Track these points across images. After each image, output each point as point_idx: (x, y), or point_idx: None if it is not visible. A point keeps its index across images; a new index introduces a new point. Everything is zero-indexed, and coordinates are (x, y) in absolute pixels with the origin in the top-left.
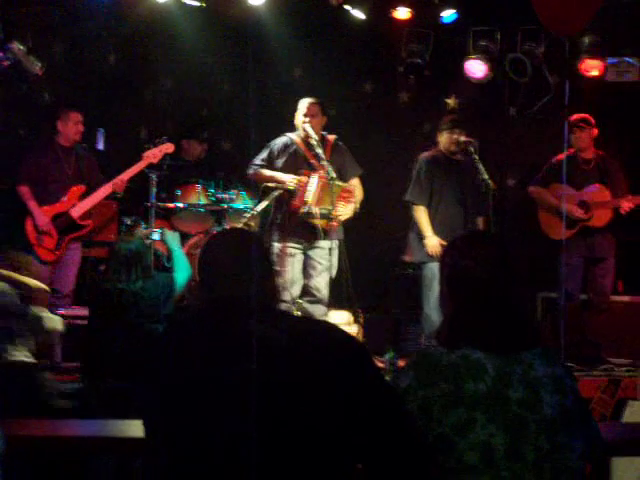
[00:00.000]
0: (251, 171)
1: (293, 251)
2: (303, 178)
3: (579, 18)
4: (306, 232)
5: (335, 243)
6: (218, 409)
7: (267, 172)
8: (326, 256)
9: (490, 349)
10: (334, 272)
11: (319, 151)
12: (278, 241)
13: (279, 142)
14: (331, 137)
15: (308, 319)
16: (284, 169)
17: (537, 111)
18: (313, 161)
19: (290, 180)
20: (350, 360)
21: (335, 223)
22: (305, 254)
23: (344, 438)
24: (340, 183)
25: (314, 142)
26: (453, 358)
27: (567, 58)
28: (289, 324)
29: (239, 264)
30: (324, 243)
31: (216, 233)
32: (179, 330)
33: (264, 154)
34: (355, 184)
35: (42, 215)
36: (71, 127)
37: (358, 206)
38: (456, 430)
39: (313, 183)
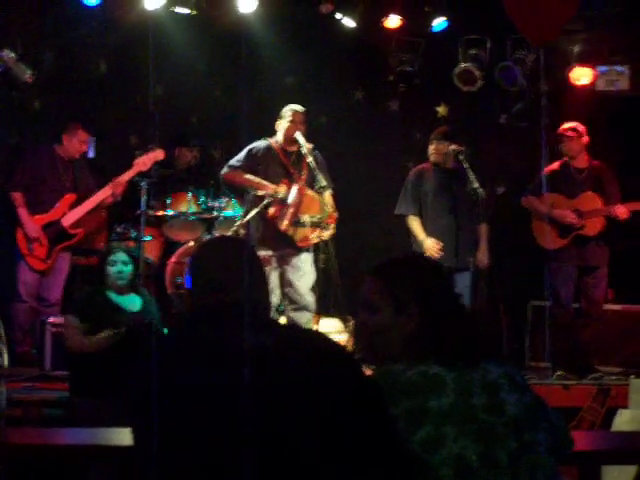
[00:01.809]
0: (225, 170)
1: (271, 259)
2: (282, 188)
3: (552, 26)
4: (284, 239)
5: (311, 249)
6: (208, 417)
7: (244, 175)
8: (306, 262)
9: (452, 363)
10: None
11: (310, 159)
12: (256, 250)
13: (259, 146)
14: (308, 146)
15: (297, 327)
16: (263, 174)
17: (514, 117)
18: (292, 170)
19: (269, 186)
20: (338, 369)
21: (310, 242)
22: (284, 261)
23: (333, 445)
24: (329, 208)
25: (304, 150)
26: (411, 375)
27: (546, 66)
28: (278, 332)
29: (229, 271)
30: (303, 250)
31: (206, 240)
32: (169, 339)
33: (242, 155)
34: (326, 199)
35: (32, 223)
36: (75, 144)
37: (334, 231)
38: (426, 447)
39: (292, 195)
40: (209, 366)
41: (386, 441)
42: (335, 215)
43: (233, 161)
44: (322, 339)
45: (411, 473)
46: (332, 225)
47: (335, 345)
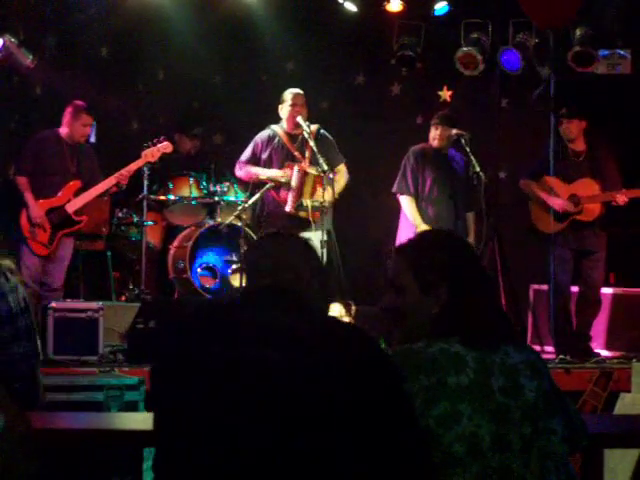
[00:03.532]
0: (237, 168)
1: None
2: (287, 171)
3: (565, 10)
4: (293, 224)
5: (324, 234)
6: (231, 395)
7: (253, 169)
8: (316, 247)
9: (473, 343)
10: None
11: (312, 143)
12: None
13: (263, 135)
14: (313, 127)
15: (341, 321)
16: (268, 162)
17: (536, 101)
18: (296, 153)
19: (276, 174)
20: (365, 350)
21: (319, 212)
22: None
23: (356, 423)
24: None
25: (306, 134)
26: (432, 352)
27: (553, 50)
28: (317, 320)
29: (280, 259)
30: (313, 234)
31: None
32: (204, 317)
33: (248, 150)
34: (340, 170)
35: (36, 208)
36: (79, 128)
37: (339, 189)
38: (441, 423)
39: (294, 177)
40: (237, 345)
41: (405, 418)
42: (322, 181)
43: (242, 157)
44: (361, 334)
45: (426, 450)
46: (322, 185)
47: (372, 341)
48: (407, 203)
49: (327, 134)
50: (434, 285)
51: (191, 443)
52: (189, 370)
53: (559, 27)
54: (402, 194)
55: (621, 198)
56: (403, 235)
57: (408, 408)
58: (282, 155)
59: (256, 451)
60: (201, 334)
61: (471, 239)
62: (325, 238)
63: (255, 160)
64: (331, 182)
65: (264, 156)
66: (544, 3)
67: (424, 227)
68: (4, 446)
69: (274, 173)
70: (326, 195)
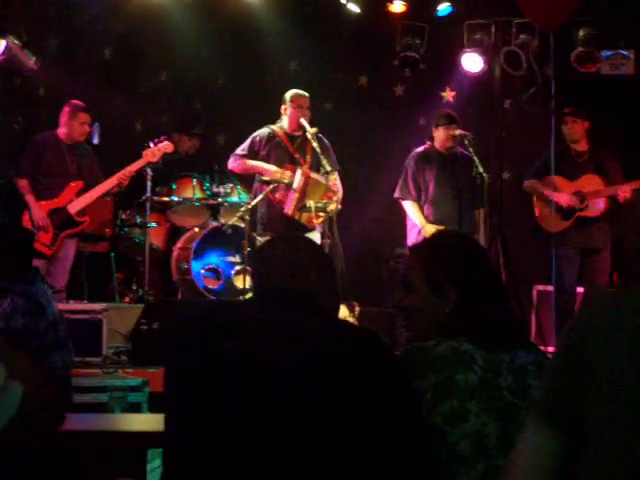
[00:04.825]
0: (231, 160)
1: None
2: (287, 173)
3: (562, 11)
4: (291, 224)
5: (318, 235)
6: (241, 392)
7: (249, 162)
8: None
9: (483, 343)
10: None
11: (314, 144)
12: (261, 235)
13: (261, 133)
14: (313, 130)
15: (349, 322)
16: (266, 160)
17: (527, 102)
18: (297, 155)
19: (275, 171)
20: (380, 365)
21: (315, 220)
22: None
23: (365, 437)
24: (325, 181)
25: (309, 135)
26: (441, 350)
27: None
28: (327, 320)
29: (288, 260)
30: (311, 235)
31: (274, 236)
32: (217, 315)
33: (246, 144)
34: (332, 180)
35: (39, 210)
36: (77, 127)
37: (339, 206)
38: (448, 420)
39: (297, 180)
40: (251, 341)
41: (413, 415)
42: (334, 192)
43: (238, 150)
44: (358, 325)
45: (434, 448)
46: (334, 198)
47: (367, 328)
48: (410, 207)
49: (324, 139)
50: (443, 285)
51: (202, 440)
52: (201, 367)
53: (556, 27)
54: (405, 199)
55: (623, 189)
56: (412, 238)
57: (416, 406)
58: (281, 155)
59: (267, 447)
60: (213, 332)
61: (481, 235)
62: (318, 238)
63: (252, 155)
64: (336, 185)
65: (262, 153)
66: (542, 2)
67: (430, 228)
68: (24, 413)
69: (274, 169)
70: (331, 205)
